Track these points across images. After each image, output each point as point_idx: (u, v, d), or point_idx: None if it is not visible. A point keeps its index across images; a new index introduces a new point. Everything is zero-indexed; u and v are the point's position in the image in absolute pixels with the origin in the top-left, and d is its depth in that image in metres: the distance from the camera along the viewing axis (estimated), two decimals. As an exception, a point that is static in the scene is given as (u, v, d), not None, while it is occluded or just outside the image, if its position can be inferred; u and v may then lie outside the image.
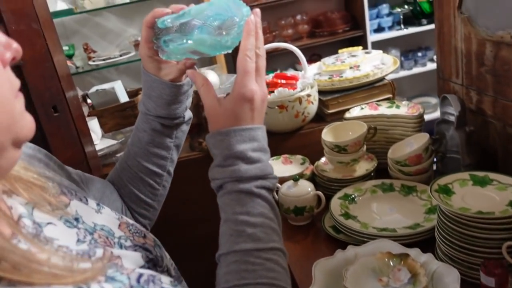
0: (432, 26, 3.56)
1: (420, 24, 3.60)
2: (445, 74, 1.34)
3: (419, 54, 3.77)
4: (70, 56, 3.00)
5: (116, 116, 1.65)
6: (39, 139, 1.12)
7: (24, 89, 1.07)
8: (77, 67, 2.98)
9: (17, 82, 0.43)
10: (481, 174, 1.01)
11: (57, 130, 1.14)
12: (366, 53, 1.85)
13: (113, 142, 1.57)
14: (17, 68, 1.05)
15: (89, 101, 1.73)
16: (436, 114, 3.86)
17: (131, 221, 0.66)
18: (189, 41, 0.66)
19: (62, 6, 2.92)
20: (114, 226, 0.60)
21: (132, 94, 1.83)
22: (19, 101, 0.42)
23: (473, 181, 1.00)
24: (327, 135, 1.34)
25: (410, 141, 1.31)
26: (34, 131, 0.44)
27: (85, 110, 1.66)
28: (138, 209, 0.87)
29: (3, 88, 0.39)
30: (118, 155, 1.55)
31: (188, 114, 0.85)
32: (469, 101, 1.25)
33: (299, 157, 1.47)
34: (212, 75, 1.79)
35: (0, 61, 0.40)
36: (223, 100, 0.65)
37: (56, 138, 1.14)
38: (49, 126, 1.12)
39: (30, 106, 1.09)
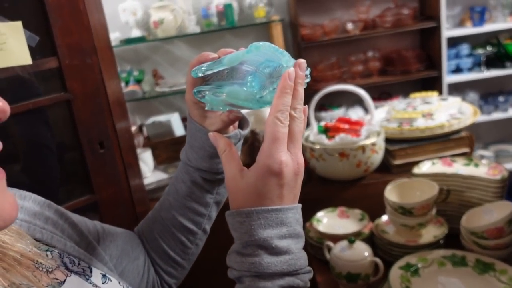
0: (517, 70, 3.28)
1: (503, 67, 3.33)
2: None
3: (501, 98, 3.47)
4: (139, 81, 3.07)
5: (170, 150, 1.61)
6: (81, 176, 1.09)
7: (71, 125, 1.05)
8: (144, 92, 3.04)
9: None
10: None
11: (101, 167, 1.10)
12: (442, 99, 1.69)
13: (164, 176, 1.53)
14: (67, 103, 1.04)
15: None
16: (517, 166, 3.52)
17: None
18: (223, 94, 0.57)
19: (136, 33, 3.02)
20: None
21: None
22: None
23: None
24: (391, 193, 1.20)
25: (490, 208, 1.13)
26: (15, 215, 0.36)
27: (141, 140, 1.64)
28: (165, 267, 0.78)
29: None
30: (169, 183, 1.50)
31: None
32: None
33: (357, 211, 1.33)
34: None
35: None
36: (247, 171, 0.53)
37: (100, 175, 1.10)
38: (94, 163, 1.08)
39: (76, 143, 1.06)
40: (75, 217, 0.65)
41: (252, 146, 1.49)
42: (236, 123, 0.71)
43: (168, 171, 1.61)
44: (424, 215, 1.14)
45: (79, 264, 0.53)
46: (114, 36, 2.94)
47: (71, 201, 1.08)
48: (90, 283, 0.52)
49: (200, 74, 0.61)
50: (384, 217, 1.27)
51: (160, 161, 1.64)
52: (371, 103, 1.47)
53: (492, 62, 3.40)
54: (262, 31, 3.23)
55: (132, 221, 1.22)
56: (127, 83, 3.03)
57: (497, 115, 3.46)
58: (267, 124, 0.52)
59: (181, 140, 1.63)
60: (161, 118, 1.70)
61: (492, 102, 3.48)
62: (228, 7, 2.88)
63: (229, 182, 0.55)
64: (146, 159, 1.54)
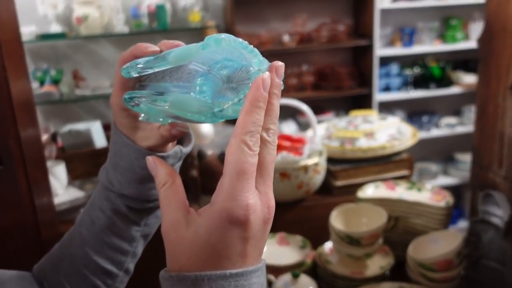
0: (440, 92, 3.43)
1: (427, 88, 3.47)
2: (483, 161, 1.12)
3: (424, 118, 3.62)
4: (56, 82, 2.78)
5: (88, 163, 1.40)
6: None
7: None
8: (61, 95, 2.75)
9: None
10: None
11: (-3, 188, 0.89)
12: (382, 119, 1.65)
13: (80, 194, 1.32)
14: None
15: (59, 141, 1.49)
16: (436, 183, 3.66)
17: None
18: (166, 104, 0.42)
19: (56, 28, 2.73)
20: None
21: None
22: None
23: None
24: (336, 220, 1.10)
25: (436, 237, 1.08)
26: None
27: (53, 151, 1.42)
28: None
29: None
30: (83, 210, 1.30)
31: None
32: (514, 199, 1.03)
33: (298, 238, 1.22)
34: (205, 125, 1.56)
35: None
36: (195, 216, 0.39)
37: (-6, 198, 0.89)
38: (-14, 182, 0.88)
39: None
40: None
41: (184, 163, 1.33)
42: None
43: (85, 187, 1.40)
44: (371, 245, 1.06)
45: None
46: (29, 30, 2.63)
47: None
48: None
49: (135, 74, 0.45)
50: (327, 245, 1.18)
51: (75, 176, 1.43)
52: (314, 120, 1.39)
53: (418, 82, 3.53)
54: (196, 36, 3.07)
55: (36, 251, 1.02)
56: (42, 83, 2.73)
57: (421, 134, 3.58)
58: (229, 150, 0.37)
59: (102, 152, 1.43)
60: (80, 126, 1.48)
61: (416, 122, 3.61)
62: (160, 8, 2.70)
63: (169, 230, 0.39)
64: (58, 173, 1.32)
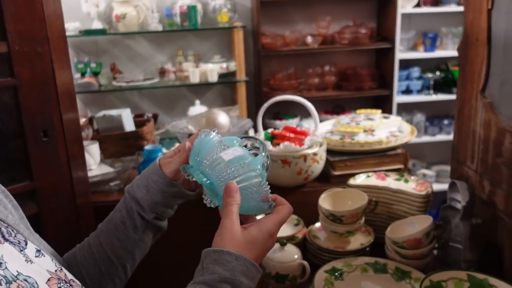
0: (462, 96, 3.49)
1: (450, 92, 3.53)
2: (460, 156, 1.26)
3: (445, 121, 3.68)
4: (96, 74, 3.04)
5: (118, 144, 1.61)
6: (22, 162, 1.09)
7: (16, 110, 1.05)
8: (100, 85, 3.01)
9: None
10: (480, 276, 0.91)
11: (43, 155, 1.10)
12: (384, 117, 1.79)
13: (110, 170, 1.53)
14: (13, 89, 1.04)
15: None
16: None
17: (70, 276, 0.60)
18: (208, 182, 0.69)
19: (97, 25, 2.99)
20: (41, 279, 0.54)
21: (138, 124, 1.81)
22: None
23: (470, 283, 0.91)
24: (325, 201, 1.27)
25: (412, 221, 1.22)
26: None
27: (90, 132, 1.64)
28: None
29: None
30: (112, 183, 1.51)
31: (164, 224, 0.81)
32: (481, 191, 1.16)
33: (294, 217, 1.39)
34: (222, 116, 1.76)
35: None
36: (247, 227, 0.67)
37: (41, 163, 1.11)
38: (36, 151, 1.09)
39: (19, 129, 1.06)
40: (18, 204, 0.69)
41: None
42: None
43: (115, 165, 1.62)
44: (353, 223, 1.22)
45: (15, 236, 0.57)
46: (74, 26, 2.90)
47: (9, 187, 1.08)
48: (23, 255, 0.55)
49: (192, 178, 0.69)
50: (318, 224, 1.34)
51: (107, 155, 1.64)
52: (316, 114, 1.55)
53: (440, 86, 3.60)
54: (224, 35, 3.28)
55: (72, 212, 1.23)
56: (83, 74, 3.00)
57: (441, 137, 3.66)
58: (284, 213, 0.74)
59: (130, 136, 1.64)
60: (112, 112, 1.70)
61: (437, 124, 3.68)
62: (192, 8, 2.91)
63: (230, 227, 0.65)
64: (92, 151, 1.54)
